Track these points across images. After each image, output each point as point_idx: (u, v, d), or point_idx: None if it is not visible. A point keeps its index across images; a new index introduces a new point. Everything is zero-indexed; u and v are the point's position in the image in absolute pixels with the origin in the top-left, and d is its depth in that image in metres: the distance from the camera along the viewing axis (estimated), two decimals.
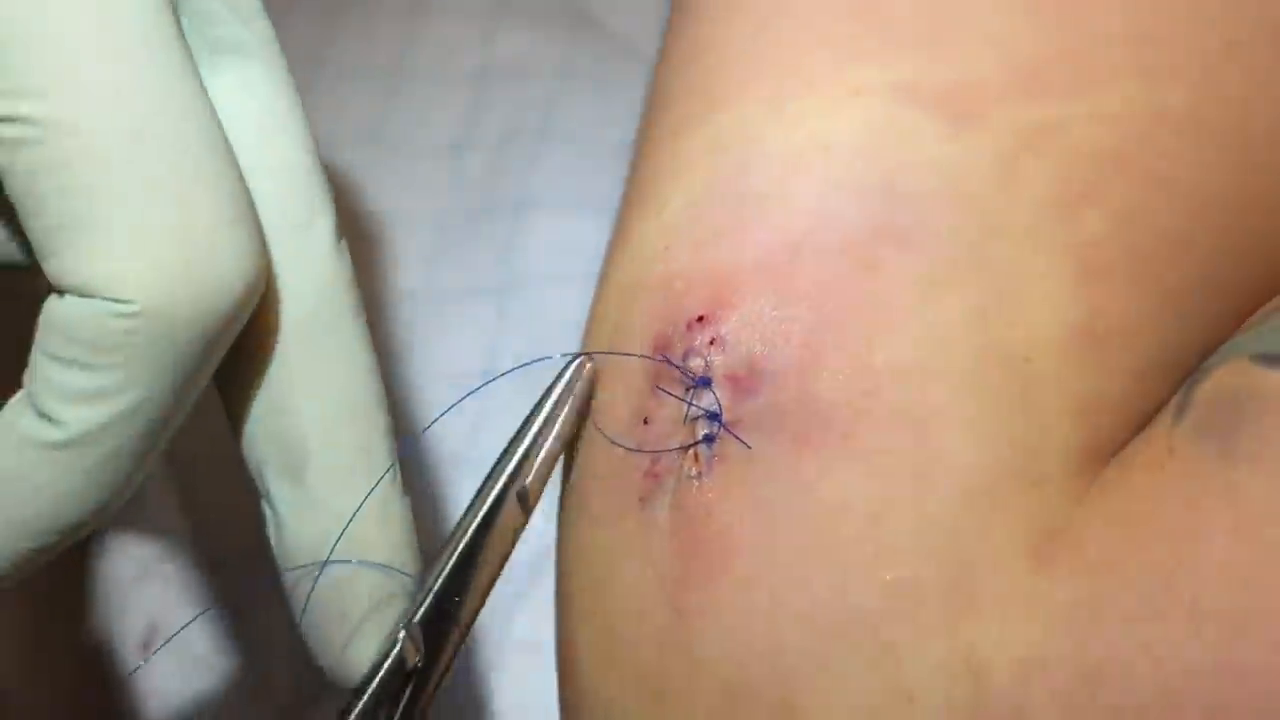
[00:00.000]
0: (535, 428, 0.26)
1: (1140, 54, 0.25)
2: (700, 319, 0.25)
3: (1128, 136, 0.24)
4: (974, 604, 0.22)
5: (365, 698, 0.26)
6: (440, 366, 0.46)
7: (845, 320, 0.23)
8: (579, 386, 0.27)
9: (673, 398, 0.25)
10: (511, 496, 0.26)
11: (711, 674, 0.23)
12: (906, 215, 0.24)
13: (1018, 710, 0.21)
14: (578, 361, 0.27)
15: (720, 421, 0.24)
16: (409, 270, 0.47)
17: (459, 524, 0.26)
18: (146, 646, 0.43)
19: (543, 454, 0.26)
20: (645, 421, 0.25)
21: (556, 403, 0.26)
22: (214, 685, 0.43)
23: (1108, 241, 0.24)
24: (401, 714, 0.26)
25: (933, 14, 0.26)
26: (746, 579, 0.23)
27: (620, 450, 0.25)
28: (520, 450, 0.26)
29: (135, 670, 0.42)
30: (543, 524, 0.44)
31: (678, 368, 0.25)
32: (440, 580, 0.26)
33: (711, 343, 0.24)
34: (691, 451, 0.24)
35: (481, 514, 0.26)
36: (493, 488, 0.26)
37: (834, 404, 0.23)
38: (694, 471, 0.24)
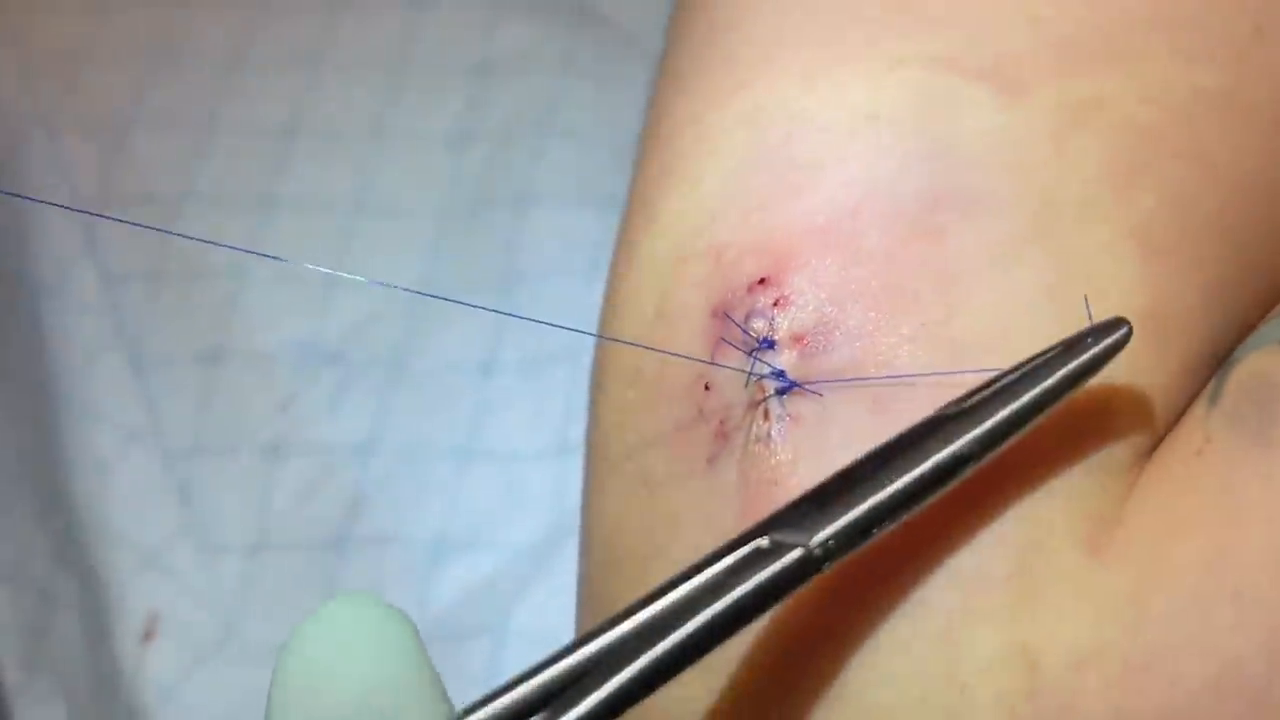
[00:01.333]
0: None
1: (1173, 34, 0.25)
2: (761, 281, 0.24)
3: (1168, 115, 0.24)
4: (1032, 593, 0.22)
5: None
6: (441, 360, 0.46)
7: (918, 285, 0.23)
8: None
9: (733, 362, 0.24)
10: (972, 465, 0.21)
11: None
12: (965, 183, 0.24)
13: (1068, 702, 0.21)
14: (1123, 331, 0.21)
15: (786, 379, 0.23)
16: (410, 264, 0.47)
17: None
18: (148, 638, 0.43)
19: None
20: (706, 387, 0.25)
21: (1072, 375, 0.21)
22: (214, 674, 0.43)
23: (1162, 221, 0.23)
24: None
25: None
26: None
27: (680, 415, 0.25)
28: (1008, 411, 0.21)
29: (136, 660, 0.42)
30: (543, 515, 0.44)
31: (742, 329, 0.24)
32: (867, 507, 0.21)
33: (776, 303, 0.24)
34: (761, 408, 0.24)
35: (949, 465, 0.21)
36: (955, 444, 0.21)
37: (914, 371, 0.23)
38: (764, 430, 0.23)
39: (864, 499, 0.21)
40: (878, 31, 0.26)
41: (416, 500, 0.44)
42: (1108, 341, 0.22)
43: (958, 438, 0.21)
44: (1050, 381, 0.21)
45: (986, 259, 0.23)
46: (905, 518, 0.21)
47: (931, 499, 0.21)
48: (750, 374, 0.24)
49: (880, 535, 0.21)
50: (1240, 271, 0.24)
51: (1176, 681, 0.21)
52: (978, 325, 0.23)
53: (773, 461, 0.23)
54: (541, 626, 0.42)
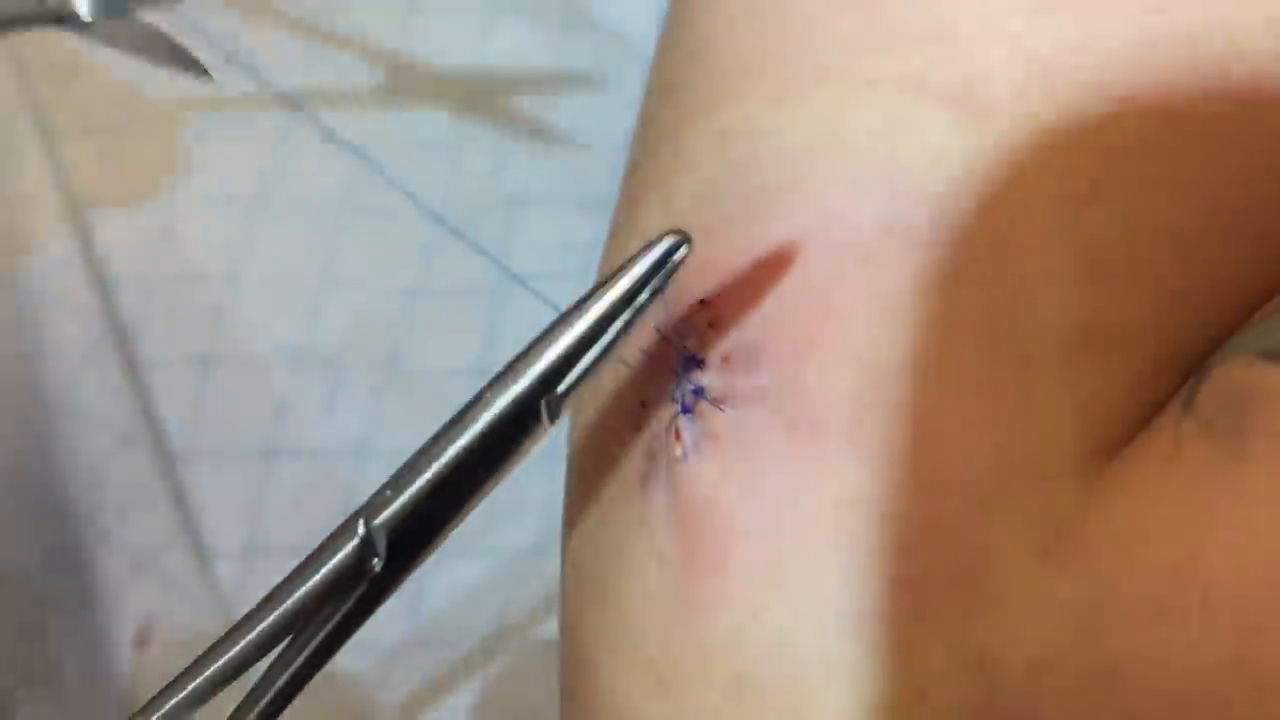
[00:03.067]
0: (589, 321, 0.22)
1: (1152, 55, 0.25)
2: (701, 303, 0.25)
3: (1138, 136, 0.24)
4: (984, 602, 0.22)
5: (306, 588, 0.22)
6: (435, 363, 0.46)
7: (847, 313, 0.23)
8: (662, 278, 0.22)
9: (668, 379, 0.24)
10: (539, 404, 0.22)
11: (720, 666, 0.23)
12: (915, 211, 0.24)
13: (1029, 709, 0.21)
14: (672, 241, 0.22)
15: (703, 395, 0.24)
16: (403, 266, 0.47)
17: (460, 416, 0.22)
18: (142, 643, 0.42)
19: (589, 358, 0.22)
20: (643, 404, 0.25)
21: (628, 292, 0.22)
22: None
23: (1113, 241, 0.23)
24: (343, 618, 0.22)
25: (940, 10, 0.26)
26: (752, 570, 0.23)
27: (619, 432, 0.25)
28: (562, 345, 0.22)
29: (130, 666, 0.42)
30: (538, 519, 0.44)
31: (674, 346, 0.24)
32: (423, 481, 0.22)
33: (709, 325, 0.24)
34: (673, 431, 0.24)
35: (490, 416, 0.22)
36: (513, 385, 0.22)
37: (835, 396, 0.23)
38: (683, 450, 0.24)
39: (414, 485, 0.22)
40: (852, 49, 0.26)
41: None
42: (643, 264, 0.22)
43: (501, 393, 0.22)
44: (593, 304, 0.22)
45: (920, 286, 0.23)
46: (474, 498, 0.22)
47: (495, 475, 0.22)
48: (675, 393, 0.24)
49: (452, 527, 0.22)
50: (1210, 285, 0.24)
51: (1140, 690, 0.20)
52: (900, 350, 0.23)
53: (698, 482, 0.24)
54: (537, 632, 0.42)
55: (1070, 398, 0.23)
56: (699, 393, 0.24)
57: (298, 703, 0.24)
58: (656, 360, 0.25)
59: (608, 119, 0.47)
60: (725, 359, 0.24)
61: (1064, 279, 0.23)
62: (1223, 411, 0.22)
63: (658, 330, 0.25)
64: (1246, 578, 0.20)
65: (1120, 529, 0.22)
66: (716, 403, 0.24)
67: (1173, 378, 0.24)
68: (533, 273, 0.46)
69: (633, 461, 0.25)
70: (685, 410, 0.24)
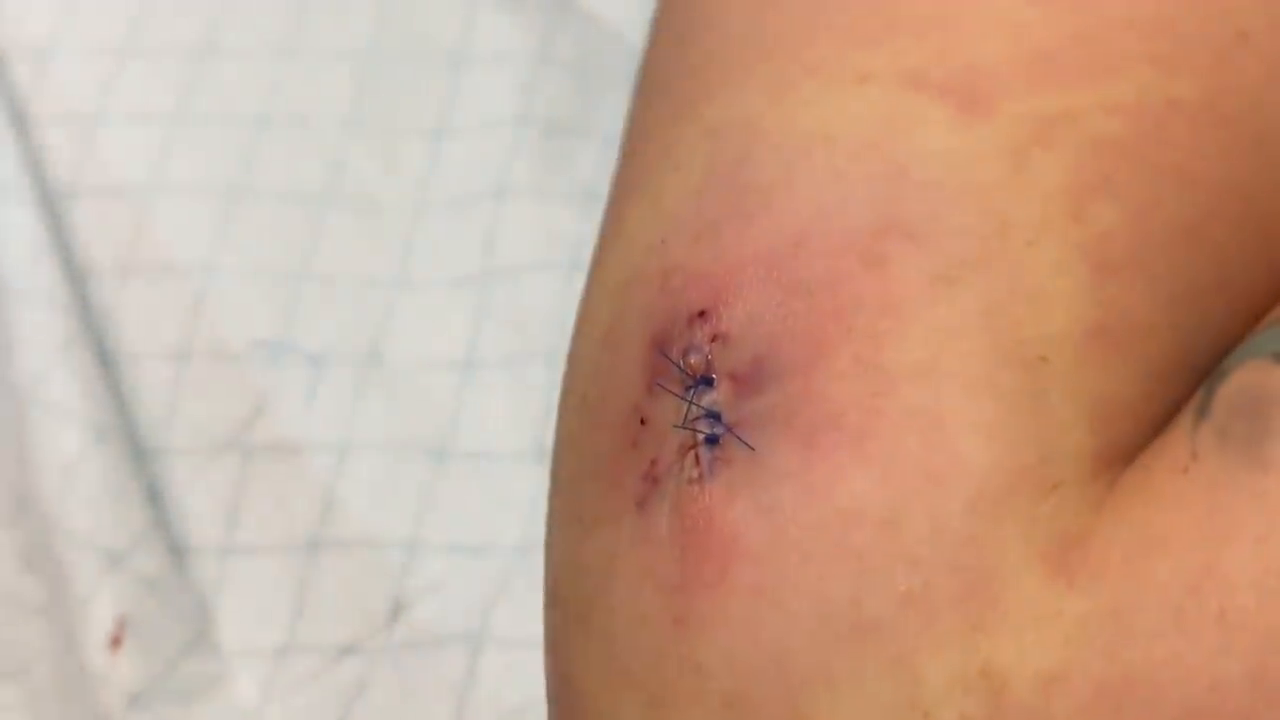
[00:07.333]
0: None
1: (1152, 43, 0.24)
2: (701, 314, 0.24)
3: (1140, 127, 0.24)
4: (991, 615, 0.21)
5: None
6: (418, 356, 0.45)
7: (853, 317, 0.23)
8: None
9: (670, 396, 0.24)
10: None
11: (714, 684, 0.22)
12: (915, 208, 0.23)
13: None
14: None
15: (723, 423, 0.23)
16: (386, 258, 0.46)
17: None
18: (116, 643, 0.42)
19: None
20: (642, 421, 0.24)
21: None
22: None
23: (1121, 236, 0.23)
24: None
25: (938, 0, 0.25)
26: (752, 587, 0.22)
27: (613, 450, 0.24)
28: None
29: (103, 667, 0.42)
30: (527, 515, 0.44)
31: (677, 365, 0.24)
32: None
33: (713, 339, 0.24)
34: (692, 453, 0.23)
35: None
36: None
37: (844, 405, 0.22)
38: (695, 474, 0.23)
39: None
40: (849, 40, 0.25)
41: (391, 502, 0.43)
42: None
43: None
44: None
45: (926, 286, 0.23)
46: None
47: None
48: (685, 414, 0.23)
49: None
50: (1219, 282, 0.24)
51: (1156, 705, 0.20)
52: (908, 353, 0.22)
53: (704, 504, 0.23)
54: (521, 633, 0.41)
55: (1082, 399, 0.22)
56: (715, 417, 0.23)
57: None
58: (658, 376, 0.24)
59: (595, 108, 0.47)
60: (733, 377, 0.23)
61: (1073, 275, 0.23)
62: (1239, 418, 0.21)
63: (659, 348, 0.24)
64: (1266, 592, 0.20)
65: (1134, 540, 0.21)
66: (735, 431, 0.23)
67: (1185, 379, 0.23)
68: (519, 265, 0.46)
69: (627, 482, 0.24)
70: (710, 440, 0.23)
